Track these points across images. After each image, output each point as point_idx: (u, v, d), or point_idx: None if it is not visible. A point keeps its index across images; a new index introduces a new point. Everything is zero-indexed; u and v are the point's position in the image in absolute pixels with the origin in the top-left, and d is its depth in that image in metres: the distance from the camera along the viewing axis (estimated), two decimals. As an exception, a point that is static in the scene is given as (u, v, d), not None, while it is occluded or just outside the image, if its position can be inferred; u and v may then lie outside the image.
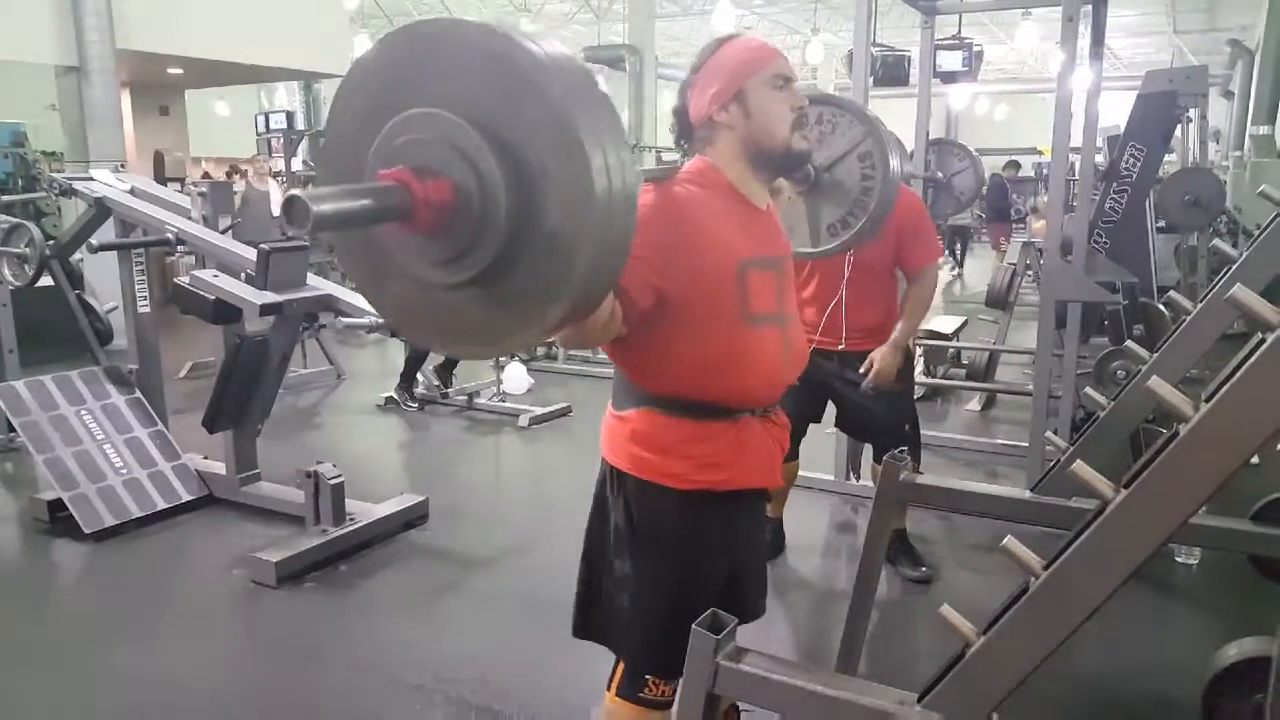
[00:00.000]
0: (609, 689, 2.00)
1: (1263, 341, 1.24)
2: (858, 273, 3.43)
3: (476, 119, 1.24)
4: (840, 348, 3.48)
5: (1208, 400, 1.26)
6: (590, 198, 1.20)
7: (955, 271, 14.66)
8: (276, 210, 9.54)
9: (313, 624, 3.44)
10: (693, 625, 1.63)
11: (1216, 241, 2.81)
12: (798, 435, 3.69)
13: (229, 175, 11.36)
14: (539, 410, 6.15)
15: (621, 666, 1.98)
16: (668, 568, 1.90)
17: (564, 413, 6.28)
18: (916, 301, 3.47)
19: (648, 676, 1.93)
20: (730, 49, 1.86)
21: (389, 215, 1.24)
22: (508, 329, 1.37)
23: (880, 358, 3.34)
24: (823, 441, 4.03)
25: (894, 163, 2.28)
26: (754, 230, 1.88)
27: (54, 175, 5.66)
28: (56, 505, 4.17)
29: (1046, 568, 1.43)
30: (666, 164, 2.02)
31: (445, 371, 6.61)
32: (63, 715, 2.88)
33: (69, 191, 4.68)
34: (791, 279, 2.00)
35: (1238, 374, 1.22)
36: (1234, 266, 2.60)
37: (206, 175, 14.27)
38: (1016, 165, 16.09)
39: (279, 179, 11.11)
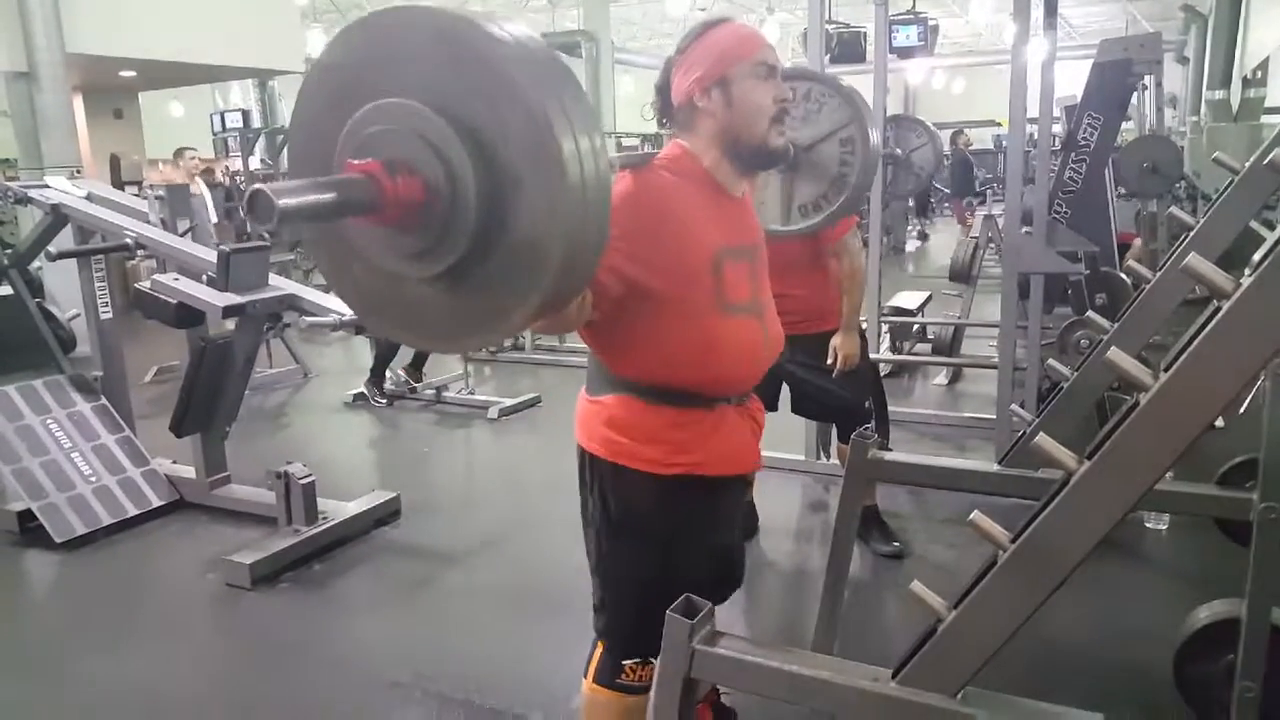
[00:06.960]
0: (586, 675, 2.00)
1: (1218, 310, 1.25)
2: (777, 259, 3.40)
3: (445, 108, 1.18)
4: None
5: (1166, 370, 1.27)
6: (563, 195, 1.16)
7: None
8: (213, 214, 9.33)
9: (289, 624, 3.42)
10: (667, 611, 1.64)
11: (1174, 209, 2.82)
12: None
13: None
14: (508, 401, 6.12)
15: (598, 652, 1.98)
16: (644, 553, 1.90)
17: (533, 403, 6.23)
18: (848, 277, 3.43)
19: (625, 663, 1.93)
20: (717, 34, 1.84)
21: (356, 209, 1.19)
22: (474, 327, 1.33)
23: (841, 344, 3.38)
24: (793, 422, 4.04)
25: (873, 148, 2.25)
26: (728, 218, 1.88)
27: (8, 184, 5.58)
28: (26, 516, 4.12)
29: (1013, 541, 1.45)
30: (629, 149, 2.01)
31: (415, 369, 6.56)
32: (38, 729, 2.85)
33: (25, 200, 4.61)
34: (765, 266, 1.99)
35: (1194, 343, 1.23)
36: (1191, 234, 2.62)
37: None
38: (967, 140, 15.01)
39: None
